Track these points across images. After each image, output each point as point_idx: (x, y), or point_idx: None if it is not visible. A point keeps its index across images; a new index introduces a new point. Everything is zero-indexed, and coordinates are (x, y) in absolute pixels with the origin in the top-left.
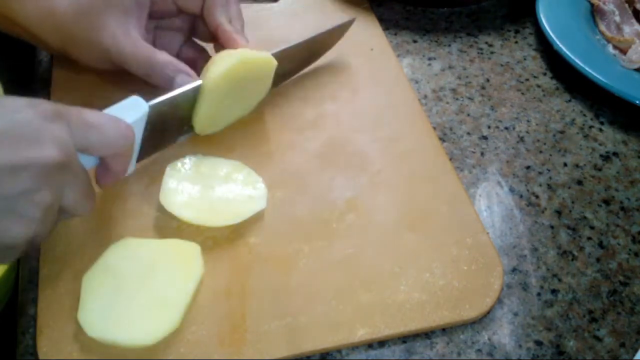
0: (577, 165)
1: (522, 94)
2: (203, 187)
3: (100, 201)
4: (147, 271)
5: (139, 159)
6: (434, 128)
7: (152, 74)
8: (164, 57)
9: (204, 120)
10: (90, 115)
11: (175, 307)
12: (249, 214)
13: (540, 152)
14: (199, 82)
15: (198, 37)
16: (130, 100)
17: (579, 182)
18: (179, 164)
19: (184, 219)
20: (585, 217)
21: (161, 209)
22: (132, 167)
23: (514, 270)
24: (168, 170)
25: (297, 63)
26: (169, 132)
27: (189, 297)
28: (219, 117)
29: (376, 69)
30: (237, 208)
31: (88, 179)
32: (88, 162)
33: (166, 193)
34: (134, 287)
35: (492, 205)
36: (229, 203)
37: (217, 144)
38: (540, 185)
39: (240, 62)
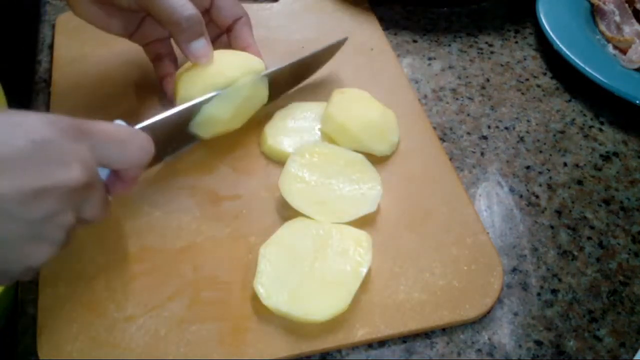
0: (577, 165)
1: (522, 94)
2: (320, 177)
3: None
4: (320, 250)
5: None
6: (434, 128)
7: (174, 26)
8: (195, 12)
9: (210, 123)
10: (112, 130)
11: (347, 288)
12: (358, 215)
13: (540, 152)
14: (195, 101)
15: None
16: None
17: (579, 182)
18: (305, 153)
19: (297, 207)
20: (585, 217)
21: (162, 209)
22: None
23: (514, 270)
24: (292, 155)
25: (290, 81)
26: (169, 144)
27: (359, 281)
28: (221, 125)
29: (376, 69)
30: (347, 207)
31: (105, 191)
32: (103, 173)
33: (286, 178)
34: (308, 264)
35: (492, 205)
36: (342, 200)
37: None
38: (540, 185)
39: (260, 76)
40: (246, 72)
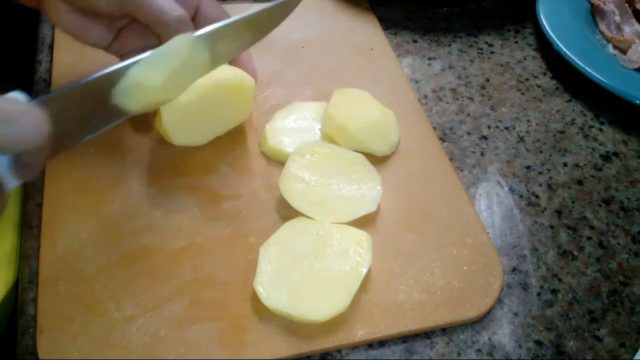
0: (577, 165)
1: (522, 94)
2: (320, 177)
3: (100, 200)
4: (320, 250)
5: (56, 153)
6: (434, 128)
7: (164, 27)
8: (184, 13)
9: (137, 92)
10: None
11: (347, 289)
12: (358, 215)
13: (540, 152)
14: (116, 66)
15: None
16: (11, 96)
17: (579, 182)
18: (305, 153)
19: (297, 207)
20: (585, 217)
21: (162, 209)
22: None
23: (514, 270)
24: (292, 155)
25: (236, 43)
26: (89, 120)
27: (359, 281)
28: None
29: (376, 69)
30: (347, 207)
31: None
32: (2, 160)
33: (286, 178)
34: (307, 264)
35: (492, 205)
36: (342, 200)
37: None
38: (540, 185)
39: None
40: (227, 74)
